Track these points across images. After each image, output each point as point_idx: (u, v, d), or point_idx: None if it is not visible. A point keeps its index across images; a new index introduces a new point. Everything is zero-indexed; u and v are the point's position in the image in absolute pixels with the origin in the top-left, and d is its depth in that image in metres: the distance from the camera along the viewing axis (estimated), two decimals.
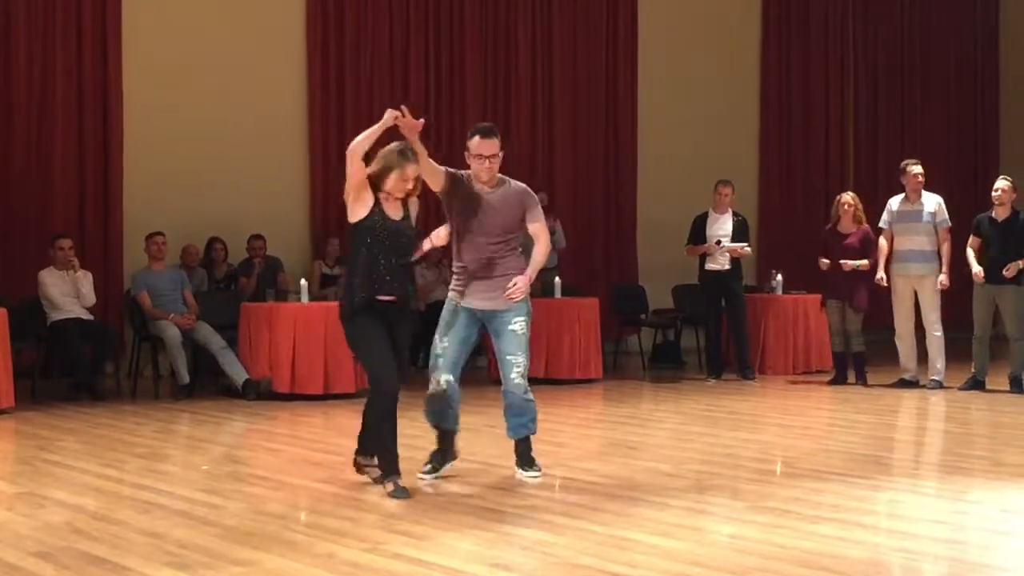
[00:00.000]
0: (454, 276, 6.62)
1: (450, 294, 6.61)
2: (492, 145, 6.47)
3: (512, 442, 6.67)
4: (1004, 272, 10.45)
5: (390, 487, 6.05)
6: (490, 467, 6.82)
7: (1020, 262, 10.43)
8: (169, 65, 12.37)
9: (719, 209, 11.99)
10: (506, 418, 6.66)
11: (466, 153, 6.52)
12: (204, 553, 4.93)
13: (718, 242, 11.77)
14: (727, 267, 11.84)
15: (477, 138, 6.48)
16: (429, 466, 6.58)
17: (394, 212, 6.24)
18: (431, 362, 6.57)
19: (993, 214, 10.72)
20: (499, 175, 6.58)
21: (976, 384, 10.79)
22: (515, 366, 6.54)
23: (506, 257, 6.52)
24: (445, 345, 6.50)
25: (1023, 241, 10.52)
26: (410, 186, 6.24)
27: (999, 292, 10.62)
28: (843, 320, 11.27)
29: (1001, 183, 10.72)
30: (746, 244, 11.85)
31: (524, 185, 6.67)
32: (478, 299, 6.52)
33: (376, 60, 13.47)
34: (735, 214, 12.01)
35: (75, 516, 5.65)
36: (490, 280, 6.49)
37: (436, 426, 6.63)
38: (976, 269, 10.68)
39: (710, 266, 11.90)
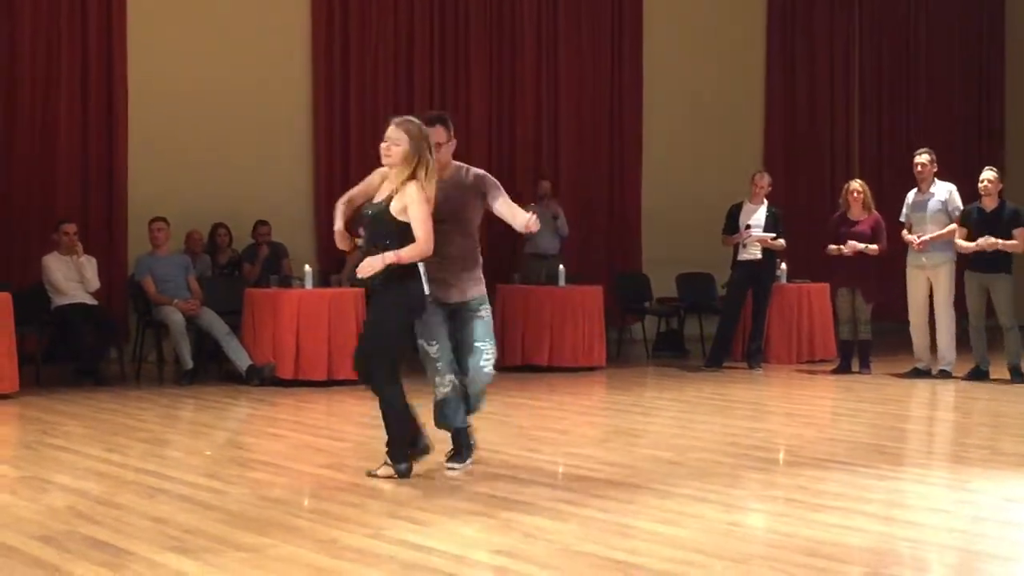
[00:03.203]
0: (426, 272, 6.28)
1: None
2: (438, 133, 6.32)
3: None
4: (983, 243, 10.44)
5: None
6: (493, 454, 6.82)
7: (998, 241, 10.43)
8: (174, 50, 12.34)
9: (754, 200, 11.85)
10: (464, 406, 6.49)
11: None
12: (207, 538, 4.94)
13: (747, 227, 11.70)
14: (758, 257, 11.73)
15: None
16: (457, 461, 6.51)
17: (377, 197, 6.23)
18: (430, 368, 6.39)
19: (981, 204, 10.77)
20: (456, 163, 6.45)
21: (979, 373, 10.81)
22: (484, 353, 6.39)
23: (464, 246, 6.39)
24: (438, 347, 6.36)
25: (1011, 229, 10.58)
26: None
27: (991, 281, 10.67)
28: (853, 308, 11.27)
29: (986, 174, 10.79)
30: (775, 235, 11.67)
31: (481, 171, 6.50)
32: (445, 291, 6.35)
33: (381, 46, 13.43)
34: (770, 205, 11.89)
35: (78, 500, 5.65)
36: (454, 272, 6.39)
37: (449, 428, 6.54)
38: (971, 246, 10.64)
39: (742, 256, 11.78)
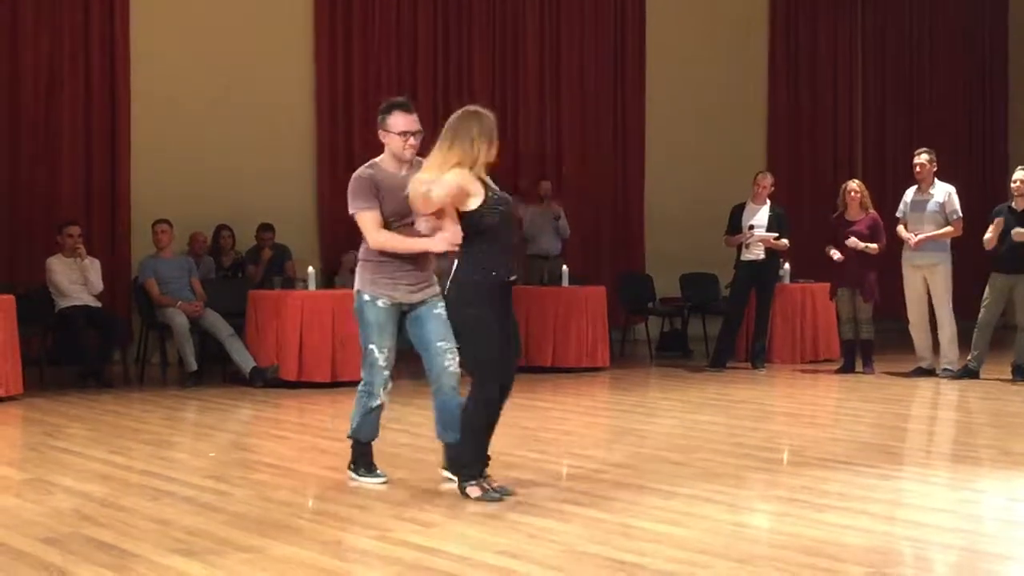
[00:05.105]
0: (375, 271, 5.97)
1: (372, 293, 5.95)
2: (414, 121, 6.03)
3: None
4: (1012, 234, 10.43)
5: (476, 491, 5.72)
6: (496, 456, 6.82)
7: None
8: (176, 53, 12.37)
9: (757, 200, 11.84)
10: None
11: (383, 133, 6.00)
12: (211, 540, 4.94)
13: (751, 227, 11.70)
14: (761, 257, 11.72)
15: (398, 113, 5.98)
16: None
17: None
18: (372, 374, 5.97)
19: (1013, 204, 10.75)
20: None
21: (970, 372, 10.81)
22: (449, 352, 5.93)
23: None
24: (387, 352, 5.97)
25: None
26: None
27: (1016, 281, 10.65)
28: (853, 308, 11.28)
29: (1019, 174, 10.76)
30: (778, 235, 11.64)
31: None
32: (404, 291, 5.97)
33: (383, 48, 13.46)
34: (773, 206, 11.87)
35: (83, 503, 5.66)
36: (419, 271, 6.00)
37: (370, 442, 6.20)
38: (989, 235, 10.65)
39: (745, 256, 11.77)
